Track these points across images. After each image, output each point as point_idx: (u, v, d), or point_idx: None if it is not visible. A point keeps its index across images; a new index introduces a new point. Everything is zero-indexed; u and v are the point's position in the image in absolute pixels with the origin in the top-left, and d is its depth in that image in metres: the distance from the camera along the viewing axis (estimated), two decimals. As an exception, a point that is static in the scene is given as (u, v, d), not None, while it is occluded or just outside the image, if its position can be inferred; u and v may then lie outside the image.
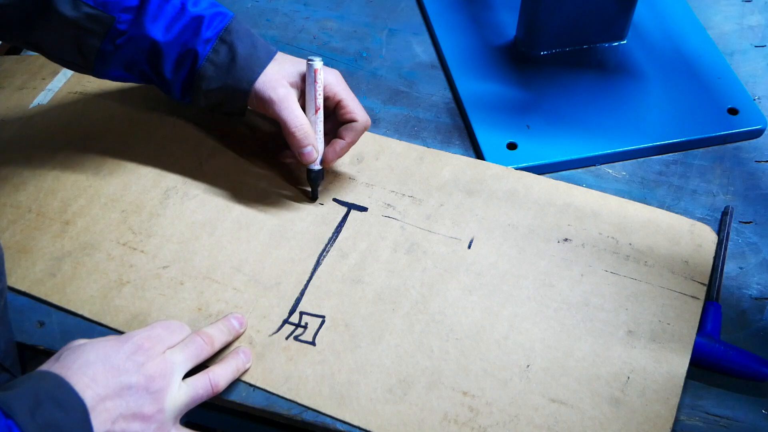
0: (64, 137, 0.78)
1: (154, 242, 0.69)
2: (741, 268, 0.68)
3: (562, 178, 0.74)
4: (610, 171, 0.75)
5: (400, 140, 0.77)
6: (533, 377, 0.60)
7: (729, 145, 0.77)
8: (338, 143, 0.69)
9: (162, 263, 0.68)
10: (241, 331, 0.63)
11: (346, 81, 0.69)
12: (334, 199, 0.72)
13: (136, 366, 0.54)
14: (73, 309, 0.65)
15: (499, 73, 0.84)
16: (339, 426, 0.59)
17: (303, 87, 0.68)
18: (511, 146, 0.76)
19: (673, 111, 0.79)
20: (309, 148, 0.68)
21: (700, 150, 0.77)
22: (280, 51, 0.70)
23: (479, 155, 0.77)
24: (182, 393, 0.56)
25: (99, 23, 0.65)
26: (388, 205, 0.72)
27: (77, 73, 0.85)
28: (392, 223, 0.70)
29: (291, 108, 0.66)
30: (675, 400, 0.58)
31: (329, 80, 0.68)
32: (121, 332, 0.64)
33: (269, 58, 0.68)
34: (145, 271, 0.68)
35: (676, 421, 0.58)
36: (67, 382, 0.51)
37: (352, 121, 0.69)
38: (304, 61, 0.68)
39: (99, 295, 0.66)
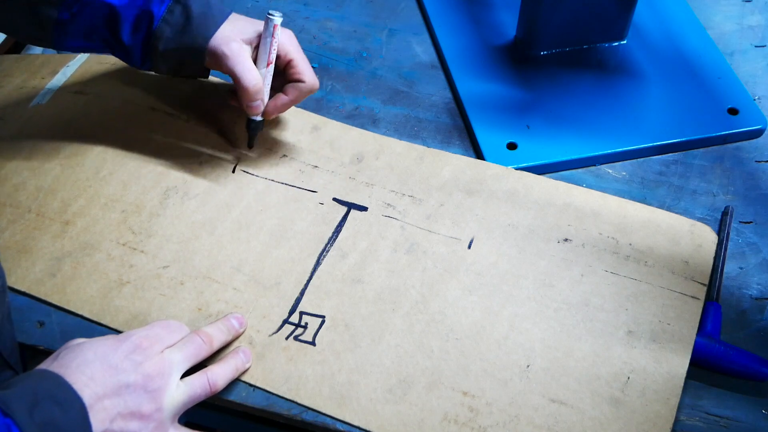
0: (63, 137, 0.78)
1: (154, 242, 0.69)
2: (741, 268, 0.68)
3: (562, 178, 0.74)
4: (610, 171, 0.75)
5: (400, 140, 0.77)
6: (533, 377, 0.60)
7: (729, 145, 0.77)
8: (281, 98, 0.71)
9: (162, 263, 0.68)
10: (241, 330, 0.63)
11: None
12: (334, 199, 0.72)
13: (134, 365, 0.54)
14: (73, 309, 0.65)
15: (499, 73, 0.84)
16: (339, 426, 0.59)
17: (257, 44, 0.69)
18: (511, 146, 0.76)
19: (673, 111, 0.79)
20: (257, 102, 0.70)
21: (700, 150, 0.77)
22: None
23: (479, 155, 0.77)
24: (180, 392, 0.56)
25: None
26: (388, 204, 0.72)
27: (77, 73, 0.85)
28: (392, 222, 0.70)
29: (244, 63, 0.68)
30: (675, 401, 0.58)
31: (283, 40, 0.69)
32: (121, 332, 0.64)
33: (223, 17, 0.69)
34: (145, 271, 0.68)
35: (676, 421, 0.58)
36: (65, 381, 0.51)
37: (300, 81, 0.70)
38: (260, 21, 0.69)
39: (99, 295, 0.66)
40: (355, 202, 0.72)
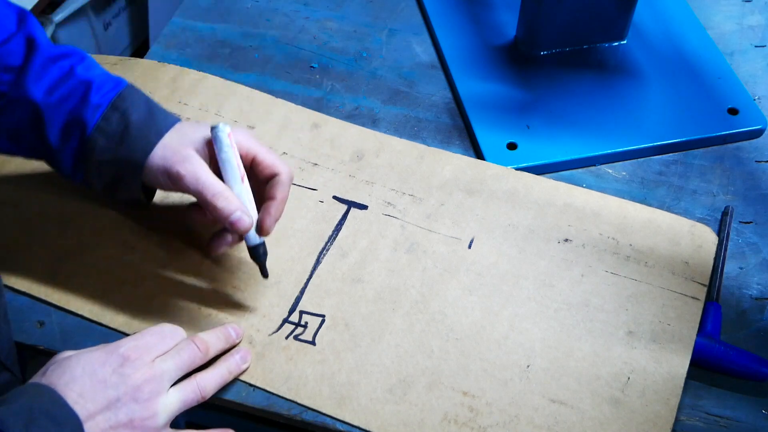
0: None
1: (154, 241, 0.69)
2: (741, 268, 0.68)
3: (562, 178, 0.74)
4: (610, 171, 0.75)
5: (400, 139, 0.77)
6: (533, 377, 0.60)
7: (729, 145, 0.77)
8: (271, 205, 0.61)
9: (162, 263, 0.68)
10: (237, 341, 0.62)
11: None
12: (334, 197, 0.72)
13: (122, 378, 0.54)
14: (73, 309, 0.65)
15: (499, 73, 0.84)
16: (339, 426, 0.59)
17: (210, 154, 0.61)
18: (511, 146, 0.76)
19: (673, 111, 0.79)
20: (238, 213, 0.59)
21: (700, 150, 0.77)
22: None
23: (479, 155, 0.77)
24: (173, 399, 0.56)
25: None
26: (389, 203, 0.72)
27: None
28: (392, 221, 0.70)
29: (203, 174, 0.59)
30: (675, 401, 0.58)
31: (238, 139, 0.61)
32: (121, 332, 0.64)
33: (168, 126, 0.61)
34: (145, 271, 0.67)
35: (676, 421, 0.58)
36: (61, 397, 0.51)
37: (275, 175, 0.61)
38: (207, 124, 0.61)
39: (99, 295, 0.66)
40: (355, 201, 0.72)
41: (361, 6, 0.93)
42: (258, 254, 0.63)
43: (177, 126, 0.62)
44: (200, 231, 0.68)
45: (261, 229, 0.61)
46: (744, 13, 0.89)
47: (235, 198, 0.59)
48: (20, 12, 0.63)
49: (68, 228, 0.70)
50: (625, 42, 0.86)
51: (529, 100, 0.81)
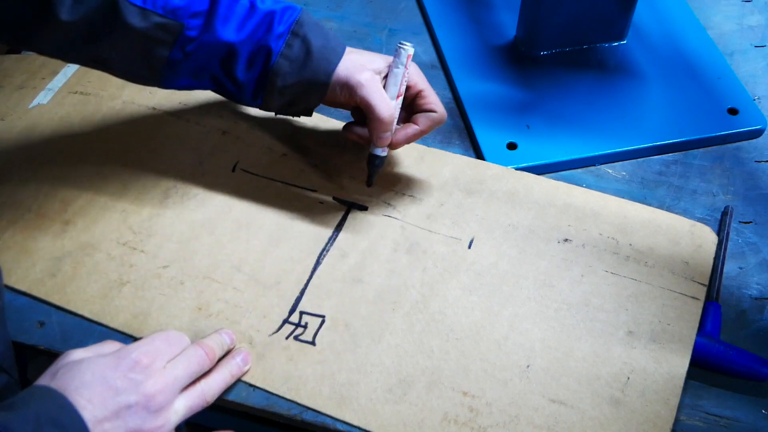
0: (64, 137, 0.78)
1: (154, 242, 0.69)
2: (741, 268, 0.68)
3: (562, 178, 0.74)
4: (610, 171, 0.75)
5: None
6: (533, 377, 0.60)
7: (729, 145, 0.77)
8: (411, 128, 0.67)
9: (162, 263, 0.68)
10: (232, 346, 0.62)
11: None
12: (335, 198, 0.72)
13: (134, 384, 0.53)
14: (73, 309, 0.65)
15: (499, 73, 0.84)
16: (339, 426, 0.59)
17: (385, 74, 0.67)
18: (511, 146, 0.76)
19: (673, 111, 0.79)
20: (388, 134, 0.66)
21: (700, 150, 0.77)
22: None
23: (479, 155, 0.77)
24: (180, 405, 0.56)
25: (168, 32, 0.62)
26: (389, 204, 0.72)
27: (77, 73, 0.85)
28: (392, 222, 0.70)
29: (380, 92, 0.64)
30: (675, 401, 0.58)
31: (412, 70, 0.67)
32: (121, 332, 0.64)
33: (343, 49, 0.66)
34: (145, 271, 0.68)
35: (676, 421, 0.58)
36: (70, 403, 0.51)
37: (431, 111, 0.67)
38: (377, 54, 0.67)
39: (99, 294, 0.66)
40: (356, 202, 0.72)
41: (361, 6, 0.93)
42: (374, 164, 0.68)
43: (350, 49, 0.66)
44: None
45: (391, 143, 0.67)
46: (744, 13, 0.89)
47: (393, 122, 0.66)
48: None
49: (68, 228, 0.70)
50: (625, 42, 0.86)
51: (529, 100, 0.81)
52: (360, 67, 0.65)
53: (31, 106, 0.82)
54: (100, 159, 0.76)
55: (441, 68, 0.86)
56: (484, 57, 0.85)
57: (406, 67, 0.66)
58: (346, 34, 0.89)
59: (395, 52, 0.66)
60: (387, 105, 0.64)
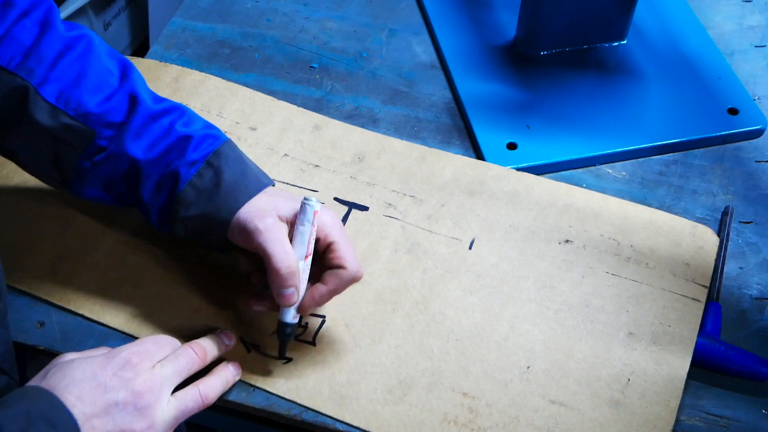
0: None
1: (155, 241, 0.69)
2: (741, 268, 0.68)
3: (562, 178, 0.74)
4: (610, 171, 0.75)
5: (401, 140, 0.77)
6: (533, 379, 0.60)
7: (729, 145, 0.77)
8: (318, 288, 0.59)
9: (162, 263, 0.68)
10: (231, 346, 0.62)
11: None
12: (335, 198, 0.72)
13: (123, 382, 0.54)
14: (73, 308, 0.65)
15: (499, 73, 0.84)
16: (339, 426, 0.59)
17: (294, 224, 0.60)
18: (511, 146, 0.76)
19: (673, 111, 0.79)
20: (291, 290, 0.58)
21: (700, 150, 0.77)
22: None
23: (479, 155, 0.77)
24: (172, 407, 0.56)
25: (78, 136, 0.60)
26: (389, 204, 0.72)
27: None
28: (393, 222, 0.70)
29: (280, 241, 0.58)
30: (675, 403, 0.58)
31: (324, 220, 0.60)
32: (121, 332, 0.64)
33: (258, 188, 0.61)
34: (145, 271, 0.67)
35: (677, 421, 0.58)
36: (59, 400, 0.51)
37: (340, 267, 0.59)
38: (299, 197, 0.60)
39: (99, 294, 0.66)
40: (356, 202, 0.72)
41: (361, 6, 0.93)
42: (285, 333, 0.60)
43: (269, 190, 0.61)
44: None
45: (300, 307, 0.60)
46: (744, 13, 0.89)
47: (297, 274, 0.58)
48: (123, 66, 0.64)
49: (68, 228, 0.70)
50: (625, 42, 0.86)
51: (529, 100, 0.81)
52: (262, 212, 0.59)
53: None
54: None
55: (441, 68, 0.86)
56: (484, 57, 0.85)
57: (313, 224, 0.59)
58: (346, 34, 0.89)
59: (300, 208, 0.59)
60: (286, 256, 0.57)
